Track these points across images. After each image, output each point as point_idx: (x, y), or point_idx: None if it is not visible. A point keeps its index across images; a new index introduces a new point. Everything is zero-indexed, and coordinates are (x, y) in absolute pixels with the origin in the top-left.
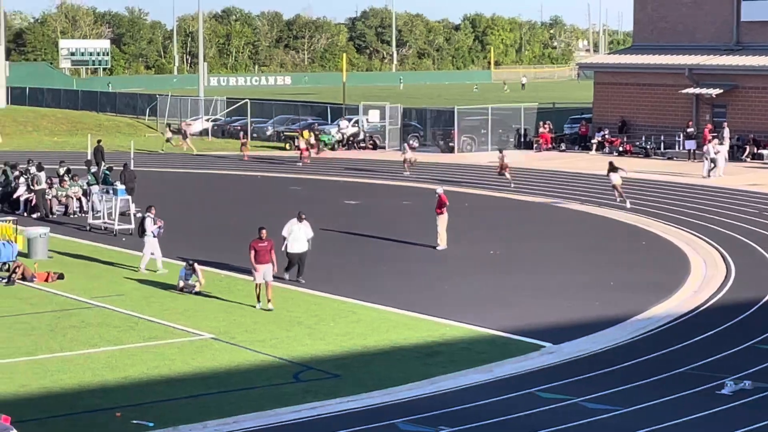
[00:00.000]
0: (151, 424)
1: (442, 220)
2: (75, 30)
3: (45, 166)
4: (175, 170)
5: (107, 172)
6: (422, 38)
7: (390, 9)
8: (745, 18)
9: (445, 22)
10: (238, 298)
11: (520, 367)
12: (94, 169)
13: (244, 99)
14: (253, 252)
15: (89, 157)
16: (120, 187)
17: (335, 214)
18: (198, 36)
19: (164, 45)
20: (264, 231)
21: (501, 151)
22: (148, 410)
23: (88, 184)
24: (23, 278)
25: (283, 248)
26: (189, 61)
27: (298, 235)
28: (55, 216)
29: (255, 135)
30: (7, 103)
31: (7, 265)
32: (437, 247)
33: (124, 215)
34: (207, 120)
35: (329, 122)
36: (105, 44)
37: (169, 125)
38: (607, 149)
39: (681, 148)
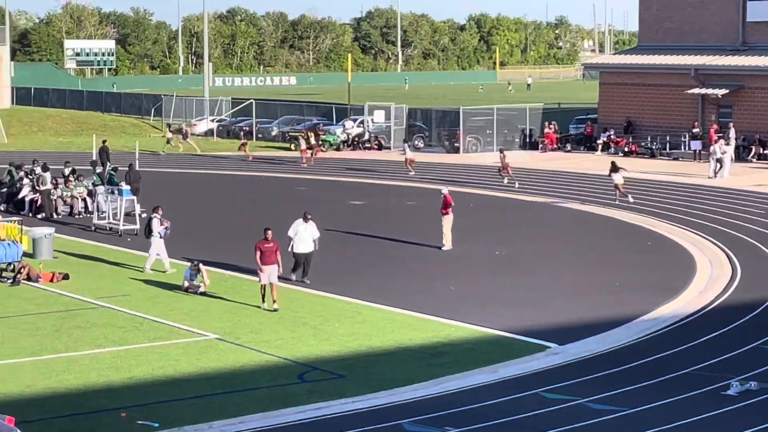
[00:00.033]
0: (156, 425)
1: (447, 221)
2: (80, 30)
3: (50, 167)
4: (180, 171)
5: (112, 172)
6: (427, 38)
7: (395, 9)
8: (750, 18)
9: (450, 23)
10: (243, 299)
11: (526, 368)
12: (99, 169)
13: (249, 99)
14: (258, 253)
15: (94, 158)
16: (125, 187)
17: (341, 215)
18: (203, 36)
19: (169, 45)
20: (270, 232)
21: (502, 152)
22: (154, 410)
23: (94, 185)
24: (28, 278)
25: (289, 249)
26: (194, 62)
27: (303, 236)
28: (60, 216)
29: (260, 135)
30: (13, 103)
31: (12, 266)
32: (442, 248)
33: (129, 216)
34: (212, 120)
35: (334, 123)
36: (110, 44)
37: (169, 125)
38: (612, 150)
39: (687, 148)
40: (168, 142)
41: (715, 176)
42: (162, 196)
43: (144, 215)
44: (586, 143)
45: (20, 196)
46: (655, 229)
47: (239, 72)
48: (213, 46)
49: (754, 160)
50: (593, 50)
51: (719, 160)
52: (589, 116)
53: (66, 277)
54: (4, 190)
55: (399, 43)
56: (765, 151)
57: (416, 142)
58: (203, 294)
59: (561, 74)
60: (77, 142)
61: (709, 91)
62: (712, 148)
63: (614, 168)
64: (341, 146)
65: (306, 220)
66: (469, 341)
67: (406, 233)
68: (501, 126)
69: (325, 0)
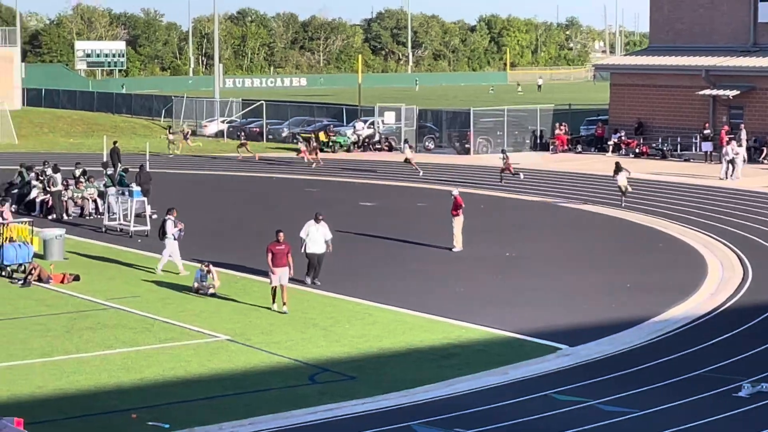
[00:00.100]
0: (167, 426)
1: (458, 222)
2: (90, 31)
3: (61, 168)
4: (191, 172)
5: (123, 173)
6: (438, 39)
7: (405, 10)
8: (762, 19)
9: (460, 24)
10: (253, 300)
11: (537, 369)
12: (110, 170)
13: (259, 100)
14: (270, 255)
15: (105, 159)
16: (135, 188)
17: (351, 216)
18: (213, 37)
19: (180, 46)
20: (281, 234)
21: (504, 152)
22: (164, 412)
23: (105, 186)
24: (39, 279)
25: (302, 250)
26: (204, 63)
27: (315, 237)
28: (70, 217)
29: (271, 136)
30: (23, 104)
31: (23, 267)
32: (453, 249)
33: (139, 217)
34: (222, 121)
35: (345, 124)
36: (120, 46)
37: (169, 127)
38: (623, 151)
39: (698, 149)
40: (171, 143)
41: (727, 178)
42: (173, 198)
43: (155, 216)
44: (597, 144)
45: (31, 197)
46: (666, 230)
47: (250, 73)
48: (223, 47)
49: (766, 161)
50: (604, 51)
51: (731, 162)
52: (599, 117)
53: (77, 278)
54: (15, 191)
55: (409, 44)
56: None
57: (427, 143)
58: (214, 295)
59: (572, 75)
60: (88, 143)
61: (720, 92)
62: (724, 149)
63: (618, 168)
64: (352, 147)
65: (318, 220)
66: (479, 343)
67: (417, 234)
68: (511, 127)
69: (336, 1)
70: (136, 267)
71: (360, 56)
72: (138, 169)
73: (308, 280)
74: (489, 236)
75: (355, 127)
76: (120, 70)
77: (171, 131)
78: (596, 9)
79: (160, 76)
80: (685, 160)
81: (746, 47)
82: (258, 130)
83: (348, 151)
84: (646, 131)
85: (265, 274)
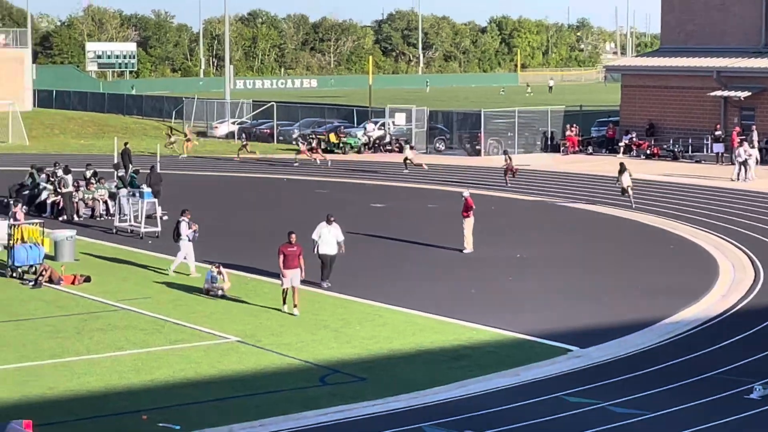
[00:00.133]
0: (178, 427)
1: (469, 224)
2: (101, 33)
3: (72, 169)
4: (201, 173)
5: (134, 175)
6: (448, 41)
7: (416, 11)
8: None
9: (471, 25)
10: (264, 302)
11: (547, 371)
12: (121, 172)
13: (270, 102)
14: (282, 256)
15: (116, 160)
16: (146, 189)
17: (362, 217)
18: (224, 39)
19: (190, 48)
20: (293, 235)
21: (506, 153)
22: (175, 413)
23: (116, 187)
24: (50, 281)
25: (314, 251)
26: (215, 64)
27: (327, 238)
28: (81, 219)
29: (281, 138)
30: (34, 105)
31: (34, 268)
32: (464, 251)
33: (150, 218)
34: (233, 123)
35: (355, 125)
36: (131, 47)
37: (170, 128)
38: (634, 152)
39: (709, 151)
40: (173, 143)
41: (740, 179)
42: (184, 199)
43: (165, 218)
44: (608, 146)
45: (42, 198)
46: (677, 232)
47: (260, 74)
48: (234, 48)
49: None
50: (615, 52)
51: (744, 163)
52: (610, 119)
53: (88, 279)
54: (26, 192)
55: (420, 46)
56: None
57: (437, 145)
58: (224, 297)
59: (582, 77)
60: (98, 145)
61: (732, 93)
62: (736, 151)
63: (622, 169)
64: (362, 149)
65: (329, 222)
66: (490, 344)
67: (427, 236)
68: (522, 128)
69: (346, 2)
70: (146, 268)
71: (371, 57)
72: (149, 171)
73: (325, 285)
74: (500, 238)
75: (365, 128)
76: (131, 72)
77: (171, 133)
78: (607, 10)
79: (171, 77)
80: (697, 162)
81: (758, 48)
82: (269, 131)
83: (358, 152)
84: (657, 132)
85: (276, 275)
